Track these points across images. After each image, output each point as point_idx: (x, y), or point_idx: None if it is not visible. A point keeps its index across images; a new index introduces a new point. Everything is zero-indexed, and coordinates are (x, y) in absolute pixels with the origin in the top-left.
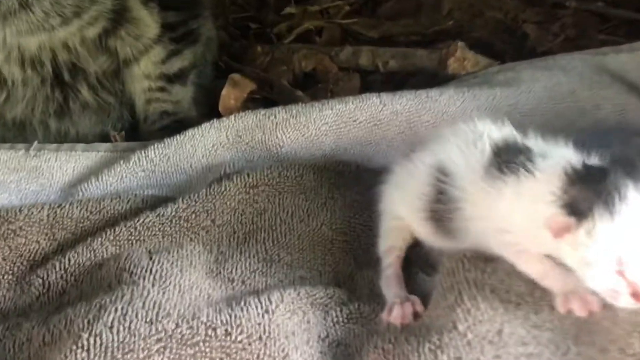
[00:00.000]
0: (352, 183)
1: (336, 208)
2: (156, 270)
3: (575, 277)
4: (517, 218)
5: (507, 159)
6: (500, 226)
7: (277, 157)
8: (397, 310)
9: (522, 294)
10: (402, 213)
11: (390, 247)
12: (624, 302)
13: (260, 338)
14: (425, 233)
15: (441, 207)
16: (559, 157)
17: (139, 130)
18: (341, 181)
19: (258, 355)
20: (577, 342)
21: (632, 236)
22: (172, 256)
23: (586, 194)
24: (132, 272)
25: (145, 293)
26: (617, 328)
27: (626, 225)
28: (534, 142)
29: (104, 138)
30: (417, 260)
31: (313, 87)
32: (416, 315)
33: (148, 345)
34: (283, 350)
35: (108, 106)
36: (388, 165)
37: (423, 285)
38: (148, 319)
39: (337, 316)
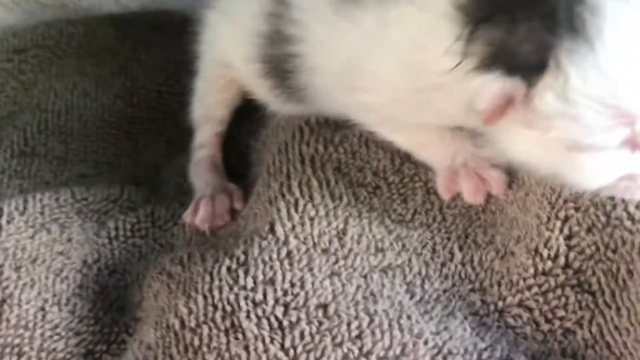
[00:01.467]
0: (171, 39)
1: (141, 74)
2: None
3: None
4: (385, 69)
5: None
6: (353, 82)
7: (77, 14)
8: (204, 208)
9: (384, 171)
10: (231, 59)
11: (207, 114)
12: None
13: None
14: (263, 92)
15: (278, 53)
16: None
17: None
18: (156, 37)
19: None
20: (465, 243)
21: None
22: None
23: (536, 21)
24: None
25: None
26: (528, 217)
27: (621, 56)
28: None
29: None
30: (247, 135)
31: None
32: (234, 213)
33: None
34: (5, 290)
35: None
36: None
37: (254, 174)
38: None
39: (116, 228)
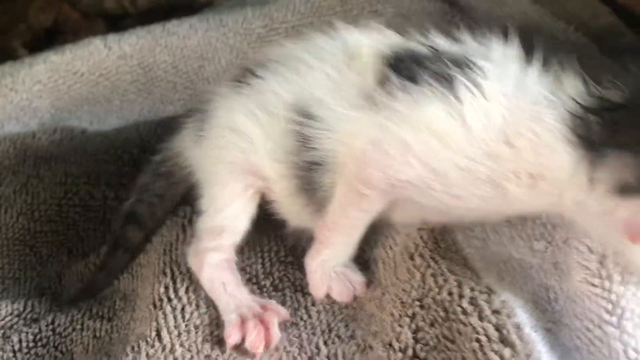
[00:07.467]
0: (72, 153)
1: (41, 190)
2: None
3: None
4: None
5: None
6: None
7: None
8: (253, 331)
9: (256, 275)
10: (268, 173)
11: (225, 224)
12: None
13: None
14: (291, 209)
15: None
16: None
17: None
18: (55, 152)
19: None
20: (330, 338)
21: None
22: None
23: None
24: None
25: None
26: (385, 314)
27: None
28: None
29: None
30: None
31: None
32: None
33: None
34: None
35: None
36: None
37: None
38: None
39: (20, 341)
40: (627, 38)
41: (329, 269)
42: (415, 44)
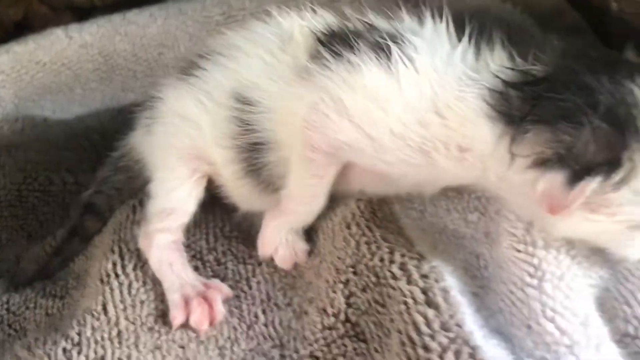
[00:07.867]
0: (34, 141)
1: (1, 176)
2: None
3: None
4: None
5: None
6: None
7: None
8: (197, 308)
9: (200, 251)
10: (214, 158)
11: (174, 207)
12: None
13: None
14: (239, 193)
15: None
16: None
17: None
18: (18, 140)
19: None
20: (268, 307)
21: None
22: None
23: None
24: None
25: None
26: (320, 281)
27: None
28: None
29: None
30: None
31: None
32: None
33: None
34: None
35: None
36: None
37: None
38: None
39: None
40: (571, 18)
41: (284, 232)
42: (351, 22)
